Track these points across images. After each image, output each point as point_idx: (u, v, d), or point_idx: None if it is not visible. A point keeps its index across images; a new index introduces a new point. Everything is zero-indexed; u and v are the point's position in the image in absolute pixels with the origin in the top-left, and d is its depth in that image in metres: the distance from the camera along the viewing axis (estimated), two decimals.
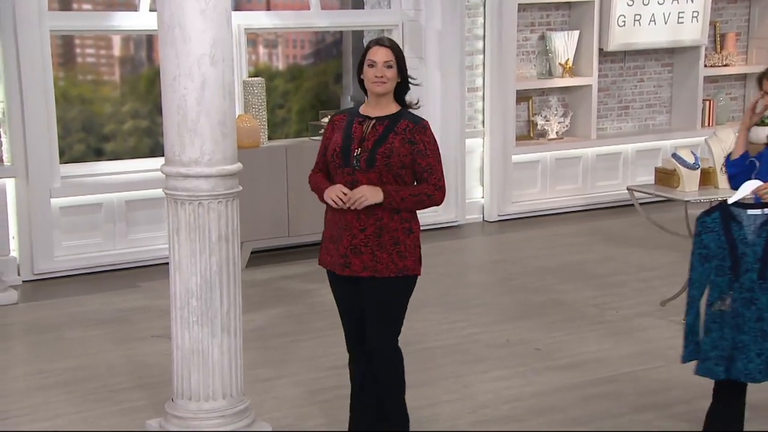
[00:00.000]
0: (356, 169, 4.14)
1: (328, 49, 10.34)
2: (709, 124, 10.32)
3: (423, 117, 4.35)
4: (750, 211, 4.00)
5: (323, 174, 4.34)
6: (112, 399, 5.30)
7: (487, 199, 9.19)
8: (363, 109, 4.27)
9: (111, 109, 9.18)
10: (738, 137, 4.73)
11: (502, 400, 5.08)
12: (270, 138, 8.24)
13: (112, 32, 8.50)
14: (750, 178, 4.27)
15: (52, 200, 7.64)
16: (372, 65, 4.13)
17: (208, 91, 4.49)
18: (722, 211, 4.02)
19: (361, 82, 4.26)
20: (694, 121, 10.24)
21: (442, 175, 4.22)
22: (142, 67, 9.46)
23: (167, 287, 7.22)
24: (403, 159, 4.14)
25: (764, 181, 4.19)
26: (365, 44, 4.33)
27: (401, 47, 4.30)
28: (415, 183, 4.21)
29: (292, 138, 9.29)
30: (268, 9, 9.13)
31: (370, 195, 4.06)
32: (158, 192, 7.92)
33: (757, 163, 4.42)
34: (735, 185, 4.48)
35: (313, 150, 8.10)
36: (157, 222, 8.02)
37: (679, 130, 10.22)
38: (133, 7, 8.28)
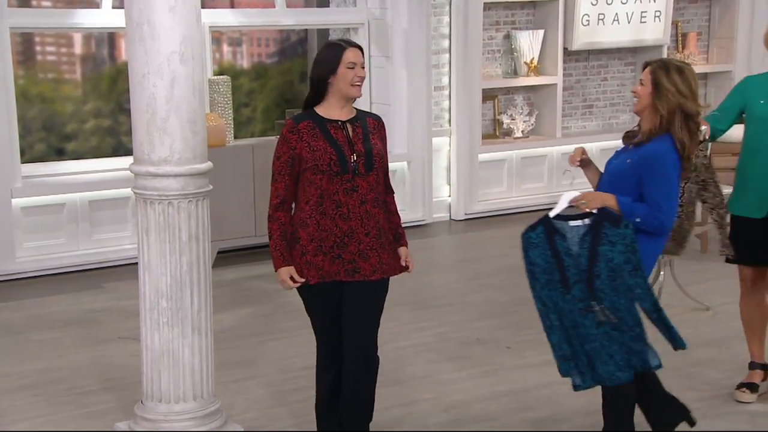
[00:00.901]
0: (356, 175, 4.06)
1: (293, 47, 10.30)
2: None
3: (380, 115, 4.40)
4: (572, 223, 4.02)
5: (287, 206, 4.19)
6: (80, 402, 5.22)
7: (454, 197, 9.19)
8: (325, 113, 4.12)
9: (72, 108, 9.07)
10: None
11: (475, 399, 5.07)
12: (236, 137, 8.17)
13: (73, 30, 8.42)
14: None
15: (13, 200, 7.53)
16: (352, 67, 4.05)
17: (177, 89, 4.43)
18: (545, 225, 4.02)
19: (320, 83, 4.11)
20: None
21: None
22: (104, 66, 9.35)
23: (133, 288, 7.17)
24: (385, 156, 4.17)
25: (605, 191, 4.15)
26: (327, 46, 4.22)
27: (368, 46, 4.24)
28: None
29: (257, 137, 9.25)
30: (233, 7, 9.08)
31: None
32: (122, 192, 7.90)
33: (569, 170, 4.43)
34: None
35: None
36: (122, 222, 7.97)
37: None
38: (95, 5, 8.19)
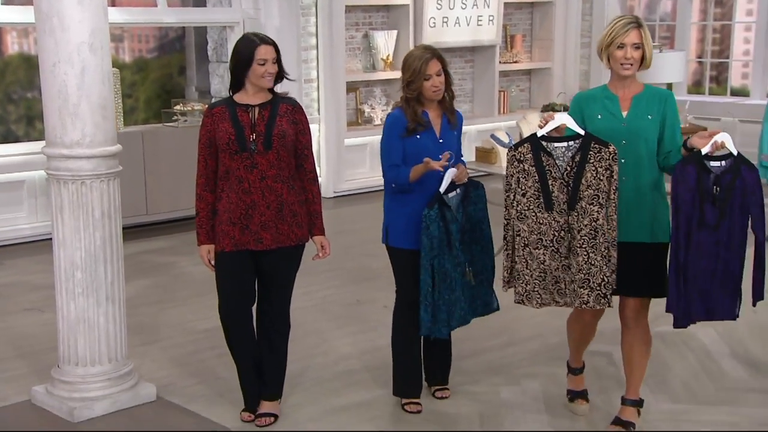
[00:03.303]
0: (254, 153, 3.99)
1: (172, 43, 9.99)
2: (503, 112, 10.65)
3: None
4: (450, 195, 4.13)
5: (209, 185, 4.07)
6: None
7: (324, 178, 9.10)
8: (240, 99, 4.06)
9: None
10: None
11: (361, 352, 5.06)
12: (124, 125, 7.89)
13: None
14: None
15: None
16: (263, 63, 3.96)
17: (88, 77, 4.23)
18: (438, 201, 4.09)
19: (237, 74, 4.03)
20: (492, 108, 10.52)
21: (313, 157, 4.22)
22: None
23: (32, 264, 6.92)
24: (292, 138, 4.06)
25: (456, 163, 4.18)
26: (242, 39, 4.07)
27: (255, 46, 4.03)
28: (294, 160, 4.13)
29: (141, 125, 8.94)
30: (113, 5, 8.69)
31: None
32: (16, 175, 7.55)
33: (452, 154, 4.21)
34: None
35: (170, 136, 8.00)
36: (17, 204, 7.60)
37: (480, 116, 10.48)
38: None
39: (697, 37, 10.96)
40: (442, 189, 4.10)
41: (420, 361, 4.41)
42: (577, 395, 4.31)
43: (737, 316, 3.92)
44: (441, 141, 4.19)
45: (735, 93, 10.55)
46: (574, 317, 4.21)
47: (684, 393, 4.54)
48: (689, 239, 3.75)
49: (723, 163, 3.73)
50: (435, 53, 4.15)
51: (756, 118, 8.93)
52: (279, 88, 4.21)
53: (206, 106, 8.47)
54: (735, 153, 3.76)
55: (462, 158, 4.38)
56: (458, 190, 4.18)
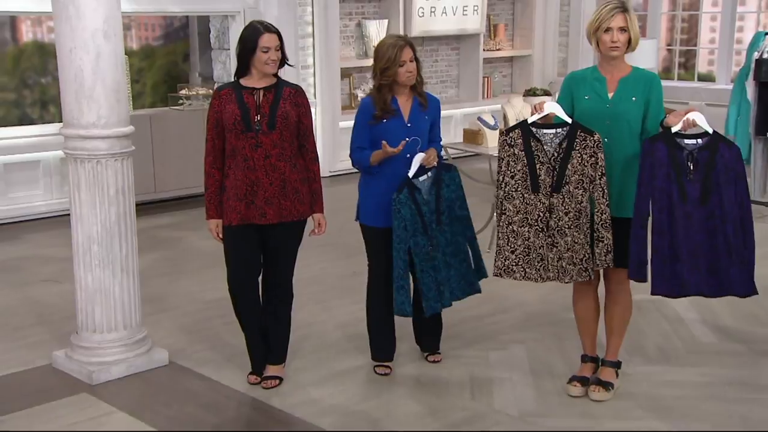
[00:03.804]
0: (259, 133, 3.97)
1: (176, 32, 9.88)
2: (487, 96, 10.63)
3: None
4: (421, 178, 4.11)
5: (216, 163, 4.04)
6: (16, 335, 4.92)
7: (321, 157, 8.91)
8: (246, 83, 4.04)
9: None
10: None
11: (359, 320, 5.04)
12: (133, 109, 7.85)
13: None
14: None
15: None
16: (266, 51, 3.94)
17: (102, 62, 4.20)
18: (408, 186, 4.07)
19: (243, 59, 4.00)
20: (477, 93, 10.51)
21: (314, 138, 4.18)
22: (7, 46, 8.73)
23: (48, 238, 6.88)
24: (295, 120, 4.04)
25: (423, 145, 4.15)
26: (248, 27, 4.03)
27: (259, 34, 3.97)
28: (298, 141, 4.10)
29: (148, 108, 8.87)
30: None
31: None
32: (32, 156, 7.52)
33: (419, 140, 4.19)
34: None
35: (176, 119, 7.96)
36: (33, 182, 7.57)
37: (465, 101, 10.46)
38: None
39: (667, 26, 10.93)
40: (410, 173, 4.08)
41: (391, 328, 4.41)
42: (574, 378, 4.14)
43: (754, 291, 3.81)
44: (409, 125, 4.17)
45: (702, 78, 10.54)
46: (575, 296, 4.16)
47: (658, 355, 4.57)
48: (672, 215, 3.74)
49: (699, 141, 3.73)
50: (407, 41, 4.14)
51: (721, 102, 8.94)
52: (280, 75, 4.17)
53: (210, 90, 8.49)
54: (710, 131, 3.75)
55: (439, 142, 4.32)
56: (429, 174, 4.13)
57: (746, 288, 3.81)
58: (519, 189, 3.85)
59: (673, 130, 3.73)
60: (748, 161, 7.56)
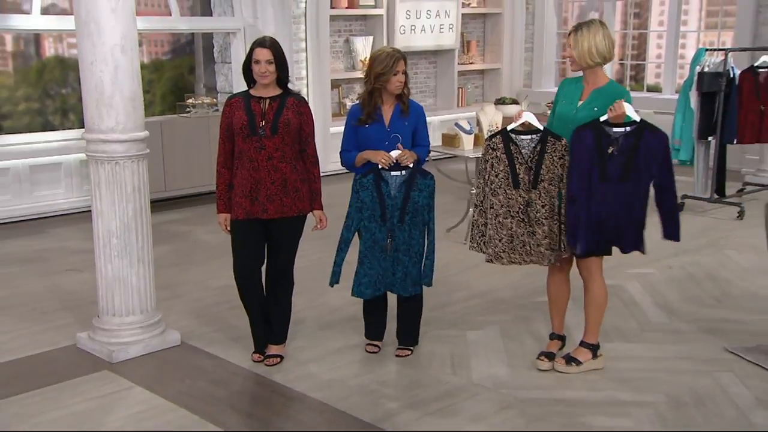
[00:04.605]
0: (263, 137, 3.95)
1: (183, 47, 9.82)
2: (461, 105, 10.64)
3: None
4: (393, 173, 4.03)
5: (227, 163, 4.03)
6: (43, 319, 4.88)
7: None
8: (255, 93, 4.03)
9: (7, 94, 8.36)
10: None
11: (351, 304, 5.00)
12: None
13: (5, 31, 7.71)
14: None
15: None
16: (257, 63, 3.92)
17: (120, 74, 4.17)
18: (375, 173, 4.01)
19: (244, 70, 4.00)
20: (452, 102, 10.51)
21: (315, 144, 4.13)
22: (32, 60, 8.65)
23: (70, 232, 6.83)
24: (296, 126, 4.02)
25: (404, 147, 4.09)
26: (251, 45, 4.00)
27: (254, 47, 3.95)
28: (299, 145, 4.07)
29: (158, 116, 8.82)
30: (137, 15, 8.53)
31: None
32: (55, 158, 7.47)
33: (400, 137, 4.14)
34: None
35: (184, 125, 7.92)
36: (56, 182, 7.50)
37: (442, 109, 10.47)
38: (26, 11, 7.52)
39: (620, 42, 10.98)
40: (381, 166, 4.02)
41: (383, 311, 4.36)
42: (542, 353, 4.15)
43: (644, 251, 3.93)
44: (389, 130, 4.12)
45: (650, 89, 10.61)
46: (549, 279, 4.17)
47: (615, 333, 4.60)
48: (591, 191, 3.80)
49: (627, 128, 3.78)
50: (402, 54, 4.13)
51: (667, 110, 8.98)
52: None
53: (213, 99, 8.44)
54: (638, 120, 3.79)
55: (425, 146, 4.20)
56: (402, 173, 4.03)
57: (636, 245, 3.90)
58: (502, 186, 3.92)
59: (602, 119, 3.79)
60: (691, 162, 7.62)
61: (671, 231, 3.95)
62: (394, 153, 4.03)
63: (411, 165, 4.05)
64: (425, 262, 4.16)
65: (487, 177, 3.95)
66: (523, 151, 3.89)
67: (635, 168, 3.78)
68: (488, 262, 4.03)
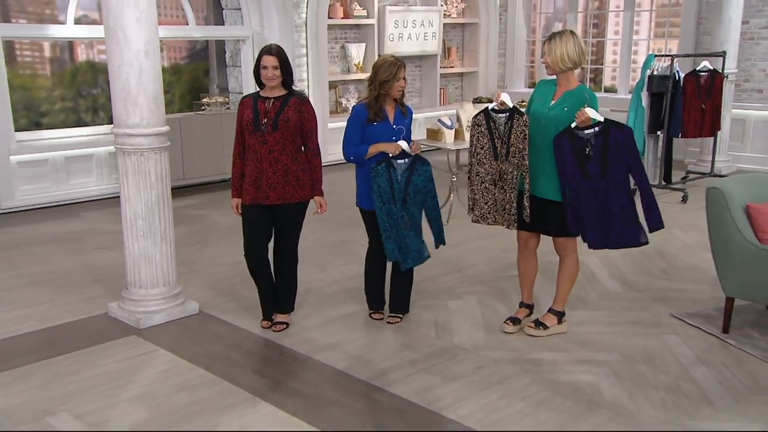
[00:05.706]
0: (265, 132, 3.92)
1: (198, 53, 9.70)
2: (443, 103, 10.59)
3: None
4: (398, 161, 4.03)
5: (241, 155, 4.01)
6: (77, 291, 4.85)
7: None
8: (263, 93, 4.00)
9: (45, 94, 8.26)
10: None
11: (348, 277, 5.05)
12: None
13: (43, 39, 7.61)
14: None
15: (11, 157, 6.89)
16: (265, 68, 3.89)
17: (144, 76, 4.11)
18: (386, 162, 4.02)
19: (255, 74, 3.96)
20: (435, 101, 10.46)
21: (317, 138, 4.08)
22: (67, 65, 8.54)
23: (100, 216, 6.78)
24: (296, 123, 3.98)
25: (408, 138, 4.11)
26: (260, 51, 3.95)
27: (262, 54, 3.90)
28: (301, 140, 4.03)
29: (177, 113, 8.74)
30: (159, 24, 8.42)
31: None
32: (87, 151, 7.40)
33: (404, 129, 4.15)
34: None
35: (199, 121, 7.86)
36: (88, 172, 7.43)
37: (426, 107, 10.42)
38: (61, 21, 7.43)
39: None
40: (392, 153, 4.02)
41: (382, 286, 4.35)
42: (509, 318, 4.16)
43: (646, 242, 3.80)
44: (395, 126, 4.12)
45: (607, 90, 10.59)
46: (519, 255, 4.15)
47: (576, 302, 4.60)
48: (578, 191, 3.76)
49: (595, 129, 3.72)
50: (402, 63, 4.10)
51: (622, 108, 8.99)
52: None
53: (226, 99, 8.37)
54: (602, 120, 3.71)
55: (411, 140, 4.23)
56: (406, 160, 4.05)
57: (634, 240, 3.79)
58: (487, 157, 3.97)
59: (572, 125, 3.74)
60: (642, 153, 7.62)
61: (654, 220, 3.76)
62: (402, 144, 4.05)
63: (413, 153, 4.09)
64: (434, 225, 4.16)
65: (473, 150, 4.00)
66: (499, 127, 3.91)
67: (611, 164, 3.71)
68: (474, 222, 4.06)
